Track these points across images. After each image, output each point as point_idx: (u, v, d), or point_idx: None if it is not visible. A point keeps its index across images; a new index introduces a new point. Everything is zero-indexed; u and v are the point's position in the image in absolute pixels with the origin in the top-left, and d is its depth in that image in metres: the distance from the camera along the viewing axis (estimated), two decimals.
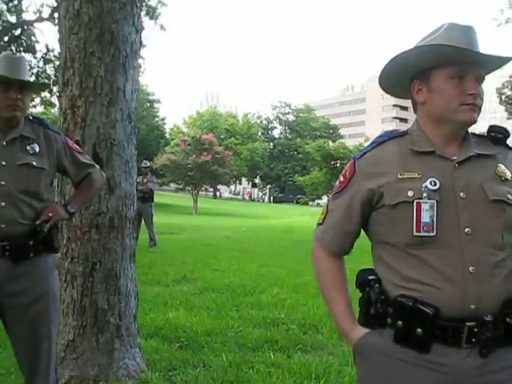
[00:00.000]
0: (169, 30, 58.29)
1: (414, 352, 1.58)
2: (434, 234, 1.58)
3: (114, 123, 3.84)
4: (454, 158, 1.66)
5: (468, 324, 1.55)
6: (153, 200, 12.99)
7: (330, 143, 55.95)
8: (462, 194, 1.62)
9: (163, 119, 60.43)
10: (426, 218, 1.59)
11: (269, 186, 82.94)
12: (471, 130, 1.79)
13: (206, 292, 7.19)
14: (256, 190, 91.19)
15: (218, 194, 79.47)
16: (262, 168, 75.97)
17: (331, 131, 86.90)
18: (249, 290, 7.36)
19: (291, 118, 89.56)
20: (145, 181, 12.90)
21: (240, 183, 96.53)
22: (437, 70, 1.66)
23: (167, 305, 6.29)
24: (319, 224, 1.82)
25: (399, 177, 1.65)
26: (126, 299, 3.95)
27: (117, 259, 3.89)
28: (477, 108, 1.65)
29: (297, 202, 65.52)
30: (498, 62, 1.72)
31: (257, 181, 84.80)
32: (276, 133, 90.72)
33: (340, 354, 4.54)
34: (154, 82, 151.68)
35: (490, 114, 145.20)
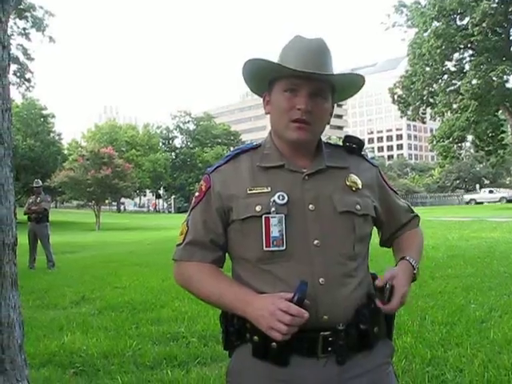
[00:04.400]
0: (60, 42, 56.43)
1: (273, 366, 1.56)
2: (284, 248, 1.57)
3: None
4: (304, 170, 1.66)
5: (322, 334, 1.55)
6: (48, 220, 12.54)
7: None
8: (311, 206, 1.61)
9: (59, 134, 58.24)
10: (275, 232, 1.57)
11: (173, 197, 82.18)
12: (327, 139, 1.82)
13: (105, 311, 6.99)
14: (161, 201, 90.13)
15: (122, 207, 77.93)
16: (165, 179, 75.25)
17: (232, 138, 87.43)
18: (149, 305, 7.23)
19: (192, 126, 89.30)
20: (38, 200, 12.44)
21: (144, 195, 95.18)
22: (277, 82, 1.64)
23: (63, 329, 6.04)
24: (179, 245, 1.72)
25: (248, 192, 1.63)
26: (9, 330, 3.72)
27: None
28: (307, 125, 1.61)
29: None
30: (347, 78, 1.68)
31: (161, 192, 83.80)
32: (177, 142, 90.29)
33: None
34: (47, 96, 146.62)
35: (386, 113, 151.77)
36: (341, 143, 1.82)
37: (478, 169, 78.10)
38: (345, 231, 1.63)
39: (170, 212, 79.02)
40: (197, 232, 1.69)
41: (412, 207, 1.91)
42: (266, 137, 1.77)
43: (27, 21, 32.65)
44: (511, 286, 7.66)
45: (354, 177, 1.70)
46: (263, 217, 1.59)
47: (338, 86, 1.70)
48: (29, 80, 35.53)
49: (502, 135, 41.29)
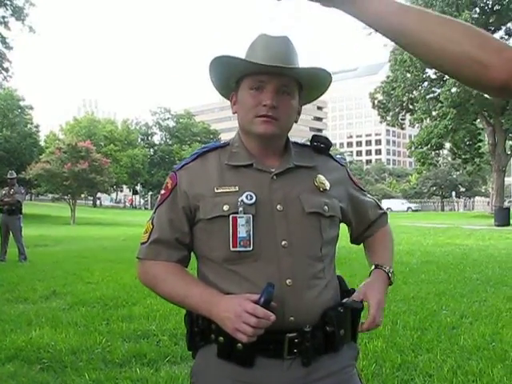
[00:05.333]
0: (41, 33, 55.76)
1: (237, 367, 1.53)
2: (251, 248, 1.54)
3: None
4: (273, 169, 1.63)
5: (289, 335, 1.53)
6: (21, 212, 12.35)
7: None
8: (278, 206, 1.59)
9: (37, 126, 57.36)
10: (242, 232, 1.54)
11: (150, 193, 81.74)
12: (295, 139, 1.78)
13: (76, 307, 6.90)
14: (137, 197, 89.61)
15: (98, 202, 77.30)
16: (142, 175, 74.77)
17: (212, 136, 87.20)
18: (121, 302, 7.16)
19: (171, 123, 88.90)
20: (11, 192, 12.26)
21: (121, 191, 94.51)
22: (243, 80, 1.62)
23: (32, 323, 5.95)
24: (144, 243, 1.68)
25: (216, 191, 1.59)
26: None
27: None
28: (274, 120, 1.58)
29: None
30: (312, 73, 1.63)
31: (138, 188, 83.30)
32: (156, 139, 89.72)
33: None
34: (25, 87, 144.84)
35: (366, 118, 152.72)
36: (309, 143, 1.79)
37: (454, 176, 78.86)
38: (312, 232, 1.61)
39: (146, 208, 78.42)
40: (162, 231, 1.65)
41: (379, 203, 1.90)
42: (234, 136, 1.73)
43: (7, 9, 32.18)
44: (482, 293, 7.74)
45: (321, 177, 1.68)
46: (230, 217, 1.55)
47: (305, 84, 1.66)
48: (7, 69, 35.03)
49: (479, 144, 41.86)
